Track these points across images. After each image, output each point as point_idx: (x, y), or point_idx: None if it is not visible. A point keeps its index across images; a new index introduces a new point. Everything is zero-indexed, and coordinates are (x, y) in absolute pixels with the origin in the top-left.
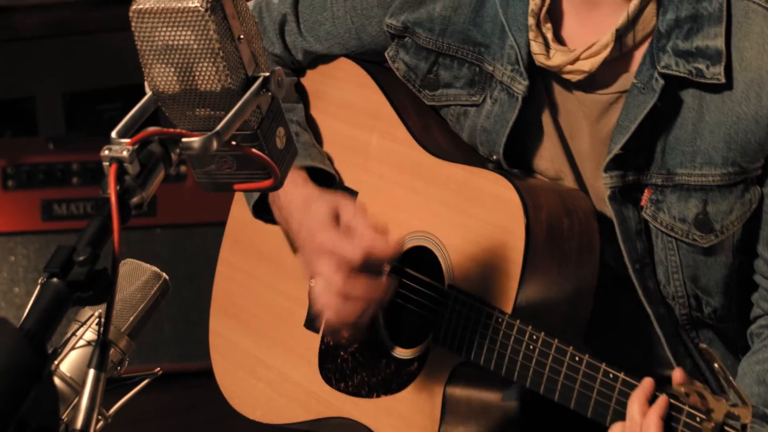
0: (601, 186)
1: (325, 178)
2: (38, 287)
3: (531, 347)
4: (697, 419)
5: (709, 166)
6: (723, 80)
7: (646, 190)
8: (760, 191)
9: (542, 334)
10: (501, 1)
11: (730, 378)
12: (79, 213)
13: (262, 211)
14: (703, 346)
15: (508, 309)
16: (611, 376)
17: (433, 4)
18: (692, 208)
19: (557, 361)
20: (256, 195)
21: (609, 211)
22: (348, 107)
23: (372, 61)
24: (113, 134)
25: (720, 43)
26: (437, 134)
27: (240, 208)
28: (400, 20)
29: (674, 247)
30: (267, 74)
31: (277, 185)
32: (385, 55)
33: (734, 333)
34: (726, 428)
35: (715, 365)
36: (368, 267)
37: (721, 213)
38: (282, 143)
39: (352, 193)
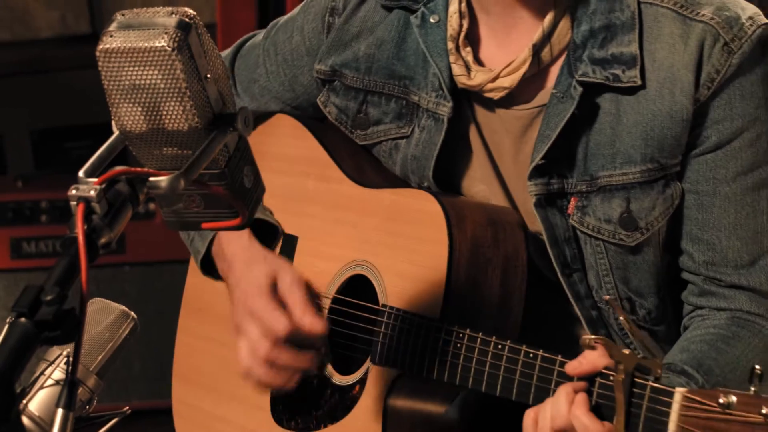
0: (528, 198)
1: (269, 229)
2: (6, 327)
3: (458, 345)
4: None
5: (629, 164)
6: (639, 82)
7: (572, 198)
8: (680, 187)
9: (467, 330)
10: (420, 31)
11: (635, 329)
12: (48, 251)
13: (210, 267)
14: (606, 297)
15: (437, 315)
16: (531, 355)
17: (357, 45)
18: (616, 208)
19: (483, 353)
20: (203, 251)
21: (537, 220)
22: (286, 159)
23: (308, 116)
24: (81, 173)
25: (634, 48)
26: (369, 171)
27: (194, 274)
28: (327, 64)
29: (603, 250)
30: (234, 112)
31: (245, 224)
32: (317, 101)
33: (670, 335)
34: (636, 380)
35: (621, 318)
36: (295, 340)
37: (644, 210)
38: (249, 182)
39: (293, 239)
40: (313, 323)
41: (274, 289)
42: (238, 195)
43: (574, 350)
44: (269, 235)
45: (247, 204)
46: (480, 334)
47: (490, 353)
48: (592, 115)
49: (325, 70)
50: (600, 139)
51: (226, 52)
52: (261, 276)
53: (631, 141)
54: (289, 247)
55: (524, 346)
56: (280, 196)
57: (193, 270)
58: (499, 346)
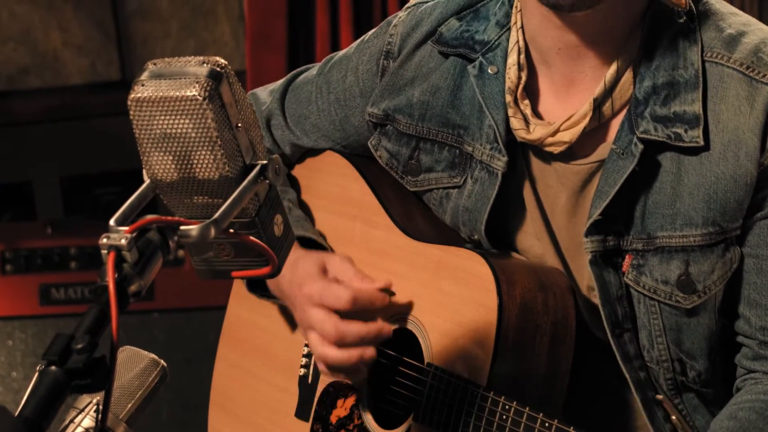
0: (581, 255)
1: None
2: (36, 374)
3: (504, 417)
4: None
5: (690, 227)
6: (701, 143)
7: (627, 256)
8: (740, 251)
9: (514, 403)
10: (477, 82)
11: (687, 428)
12: (77, 297)
13: (256, 286)
14: (659, 397)
15: (483, 382)
16: None
17: (411, 90)
18: (674, 270)
19: (528, 429)
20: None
21: (590, 277)
22: (333, 198)
23: (357, 154)
24: (111, 222)
25: (697, 107)
26: (419, 219)
27: (235, 304)
28: (380, 108)
29: (657, 311)
30: (265, 162)
31: (275, 272)
32: (368, 144)
33: (719, 397)
34: None
35: (673, 418)
36: (359, 311)
37: (703, 273)
38: (280, 230)
39: None
40: (371, 287)
41: (325, 272)
42: (268, 244)
43: (619, 415)
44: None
45: (277, 252)
46: (527, 408)
47: (536, 430)
48: (652, 173)
49: (377, 114)
50: (659, 198)
51: (278, 84)
52: (309, 266)
53: (693, 203)
54: None
55: (572, 428)
56: (326, 235)
57: (235, 299)
58: (546, 425)
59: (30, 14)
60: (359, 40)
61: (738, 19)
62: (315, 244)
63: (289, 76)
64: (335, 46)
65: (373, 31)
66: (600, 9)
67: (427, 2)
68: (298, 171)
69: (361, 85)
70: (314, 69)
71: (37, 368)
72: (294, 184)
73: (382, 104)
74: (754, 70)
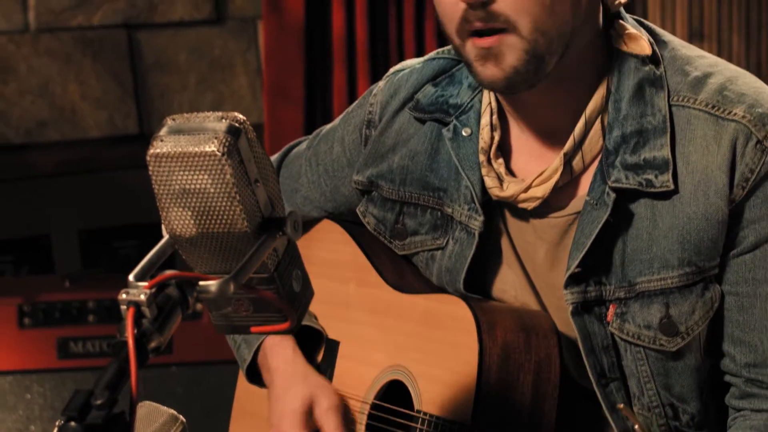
0: (563, 306)
1: (313, 335)
2: (56, 430)
3: None
4: None
5: (667, 269)
6: (672, 186)
7: (611, 306)
8: (720, 289)
9: None
10: (452, 144)
11: None
12: (96, 351)
13: (256, 375)
14: (620, 406)
15: (468, 421)
16: None
17: (393, 156)
18: (655, 313)
19: None
20: (249, 359)
21: (573, 328)
22: (330, 264)
23: (351, 221)
24: (131, 277)
25: (666, 152)
26: (409, 277)
27: (244, 378)
28: (365, 176)
29: (643, 357)
30: (283, 217)
31: (294, 328)
32: (357, 211)
33: None
34: None
35: (636, 427)
36: None
37: (684, 314)
38: (298, 286)
39: (335, 344)
40: None
41: (308, 415)
42: (287, 299)
43: None
44: (313, 340)
45: (295, 308)
46: None
47: None
48: (627, 221)
49: (362, 181)
50: (637, 245)
51: (273, 158)
52: (297, 400)
53: (668, 245)
54: (331, 353)
55: None
56: (323, 300)
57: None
58: None
59: (48, 67)
60: (345, 111)
61: (704, 61)
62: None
63: (282, 151)
64: (352, 100)
65: (356, 101)
66: (546, 82)
67: (404, 70)
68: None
69: (347, 155)
70: (304, 143)
71: (57, 423)
72: None
73: (366, 172)
74: (719, 108)
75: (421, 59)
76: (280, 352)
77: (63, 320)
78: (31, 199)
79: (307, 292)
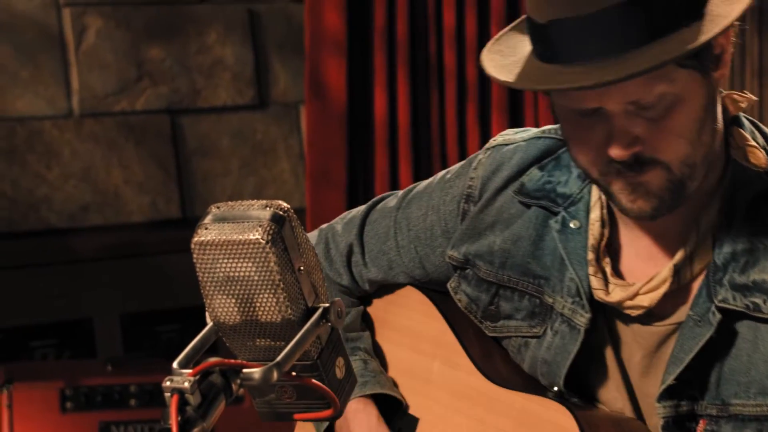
0: (654, 416)
1: (392, 403)
2: None
3: None
4: None
5: (764, 396)
6: None
7: (701, 421)
8: None
9: None
10: (560, 236)
11: None
12: None
13: None
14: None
15: None
16: None
17: (493, 237)
18: None
19: None
20: (326, 423)
21: None
22: (411, 335)
23: (436, 290)
24: (175, 365)
25: None
26: (498, 363)
27: None
28: (461, 252)
29: None
30: (327, 305)
31: (337, 415)
32: (448, 286)
33: None
34: None
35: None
36: None
37: None
38: (341, 373)
39: (415, 420)
40: None
41: None
42: (330, 386)
43: None
44: (389, 407)
45: (339, 395)
46: None
47: None
48: (728, 341)
49: (458, 258)
50: (735, 366)
51: (356, 216)
52: None
53: (767, 371)
54: (410, 427)
55: None
56: (403, 371)
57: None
58: None
59: (92, 152)
60: (440, 175)
61: None
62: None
63: (365, 207)
64: (394, 185)
65: (454, 169)
66: None
67: (507, 145)
68: (375, 304)
69: (443, 225)
70: (392, 200)
71: None
72: (369, 323)
73: (462, 248)
74: None
75: (525, 135)
76: (364, 419)
77: (105, 404)
78: (74, 283)
79: (350, 380)
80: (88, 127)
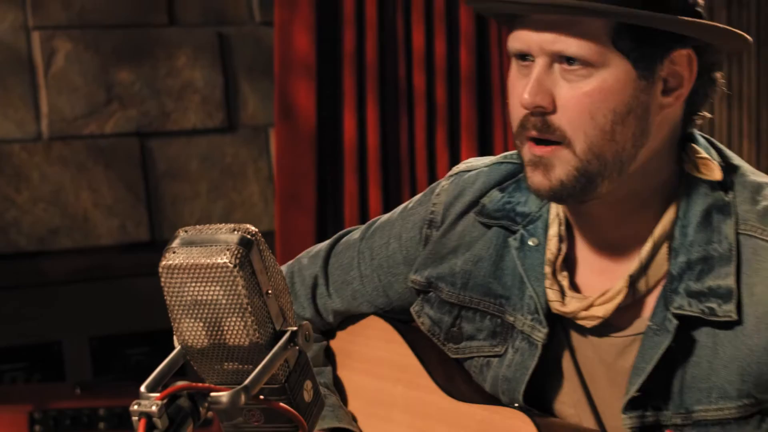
0: (619, 427)
1: None
2: None
3: None
4: None
5: (725, 399)
6: (735, 317)
7: (666, 431)
8: None
9: None
10: (518, 253)
11: None
12: None
13: None
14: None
15: None
16: None
17: (455, 259)
18: None
19: None
20: None
21: None
22: (375, 362)
23: (399, 320)
24: (142, 388)
25: (731, 281)
26: (460, 383)
27: None
28: (424, 276)
29: None
30: (295, 329)
31: None
32: (411, 310)
33: None
34: None
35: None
36: None
37: None
38: (309, 396)
39: None
40: None
41: None
42: (298, 410)
43: None
44: None
45: (307, 419)
46: None
47: None
48: (688, 348)
49: (420, 281)
50: (696, 373)
51: (321, 249)
52: None
53: (727, 376)
54: None
55: None
56: (367, 398)
57: None
58: None
59: (61, 175)
60: (402, 206)
61: None
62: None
63: (331, 240)
64: (364, 208)
65: (416, 198)
66: (609, 200)
67: (469, 171)
68: (339, 337)
69: (404, 252)
70: (356, 233)
71: None
72: (332, 357)
73: (425, 272)
74: None
75: (487, 161)
76: None
77: (74, 428)
78: (43, 306)
79: (318, 403)
80: (57, 151)
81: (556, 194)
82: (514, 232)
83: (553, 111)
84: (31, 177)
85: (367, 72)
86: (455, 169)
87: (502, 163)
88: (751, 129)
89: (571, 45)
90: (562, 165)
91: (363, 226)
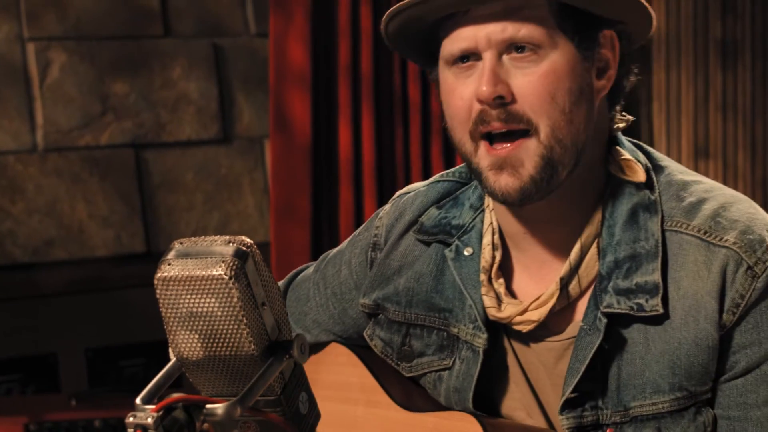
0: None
1: None
2: None
3: None
4: None
5: (658, 394)
6: (662, 311)
7: (608, 430)
8: (712, 413)
9: None
10: (455, 264)
11: None
12: None
13: None
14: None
15: None
16: None
17: (398, 278)
18: None
19: None
20: None
21: None
22: (338, 387)
23: (360, 345)
24: (138, 401)
25: (657, 276)
26: (417, 398)
27: None
28: (371, 298)
29: None
30: (290, 340)
31: None
32: (364, 335)
33: None
34: None
35: None
36: None
37: None
38: (305, 408)
39: None
40: None
41: None
42: (293, 421)
43: None
44: None
45: (302, 430)
46: None
47: None
48: (621, 346)
49: (369, 304)
50: (631, 370)
51: (280, 283)
52: None
53: (660, 370)
54: None
55: None
56: (332, 424)
57: None
58: None
59: (56, 187)
60: (352, 235)
61: (700, 186)
62: None
63: (289, 276)
64: (359, 218)
65: (362, 226)
66: (551, 198)
67: (408, 193)
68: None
69: (354, 277)
70: (311, 267)
71: None
72: None
73: (372, 294)
74: (711, 234)
75: (426, 182)
76: None
77: None
78: (38, 318)
79: (314, 414)
80: (52, 162)
81: (525, 192)
82: (449, 245)
83: (513, 101)
84: (26, 188)
85: (362, 83)
86: (397, 193)
87: (438, 182)
88: (746, 139)
89: (520, 29)
90: (530, 158)
91: (317, 261)
